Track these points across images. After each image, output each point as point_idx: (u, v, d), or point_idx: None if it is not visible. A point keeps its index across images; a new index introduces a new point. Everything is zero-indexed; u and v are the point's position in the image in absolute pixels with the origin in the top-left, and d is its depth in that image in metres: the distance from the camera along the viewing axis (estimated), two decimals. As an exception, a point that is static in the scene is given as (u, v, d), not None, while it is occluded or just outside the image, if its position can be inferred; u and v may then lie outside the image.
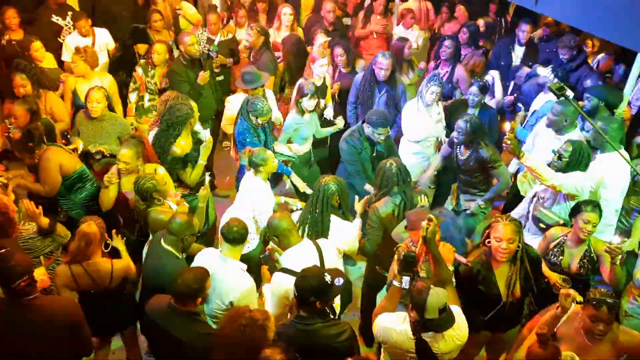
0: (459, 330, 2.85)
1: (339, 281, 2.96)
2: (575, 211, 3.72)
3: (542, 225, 4.17)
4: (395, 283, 3.10)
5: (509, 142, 3.93)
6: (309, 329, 2.88)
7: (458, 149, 4.71)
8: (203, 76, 5.40)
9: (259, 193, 4.15)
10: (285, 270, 3.34)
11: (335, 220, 3.90)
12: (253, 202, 4.15)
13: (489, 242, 3.39)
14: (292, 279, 3.11)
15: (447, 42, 5.86)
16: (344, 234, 3.86)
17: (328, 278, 2.91)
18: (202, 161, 4.55)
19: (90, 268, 3.37)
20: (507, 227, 3.28)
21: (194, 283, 2.95)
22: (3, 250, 2.82)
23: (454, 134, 4.65)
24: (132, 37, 5.93)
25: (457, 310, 2.93)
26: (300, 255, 3.39)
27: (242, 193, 4.29)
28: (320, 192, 3.86)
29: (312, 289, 2.86)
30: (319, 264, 3.38)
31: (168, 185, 4.18)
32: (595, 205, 3.67)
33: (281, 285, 3.31)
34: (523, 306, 3.54)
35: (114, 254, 3.60)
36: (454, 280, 3.32)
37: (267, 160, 4.12)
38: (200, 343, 2.92)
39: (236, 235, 3.36)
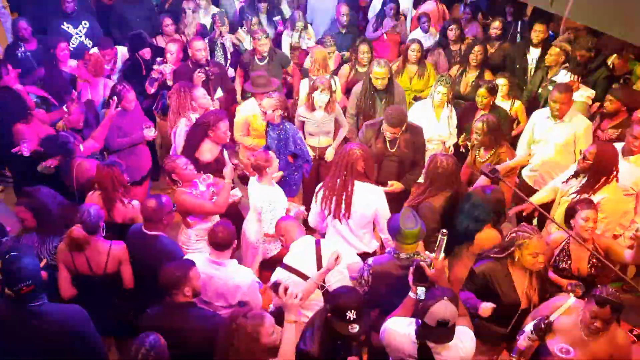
0: (464, 342, 2.76)
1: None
2: (571, 214, 3.63)
3: None
4: (411, 294, 2.98)
5: None
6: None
7: (477, 152, 4.65)
8: (197, 76, 5.25)
9: (265, 203, 4.03)
10: (286, 267, 3.33)
11: (362, 186, 3.74)
12: (262, 213, 4.05)
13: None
14: (291, 275, 3.18)
15: (477, 48, 5.79)
16: (374, 200, 3.72)
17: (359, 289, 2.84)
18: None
19: None
20: (540, 242, 3.25)
21: (176, 271, 2.95)
22: (14, 253, 2.81)
23: (474, 135, 4.56)
24: (130, 45, 5.86)
25: (465, 329, 2.84)
26: (298, 250, 3.37)
27: (251, 202, 4.21)
28: (344, 157, 3.74)
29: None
30: (315, 263, 3.32)
31: None
32: (589, 202, 3.62)
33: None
34: None
35: None
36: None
37: (270, 161, 4.04)
38: (204, 324, 2.92)
39: (220, 241, 3.29)
